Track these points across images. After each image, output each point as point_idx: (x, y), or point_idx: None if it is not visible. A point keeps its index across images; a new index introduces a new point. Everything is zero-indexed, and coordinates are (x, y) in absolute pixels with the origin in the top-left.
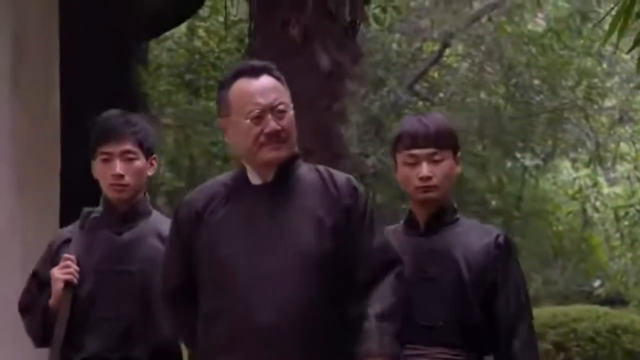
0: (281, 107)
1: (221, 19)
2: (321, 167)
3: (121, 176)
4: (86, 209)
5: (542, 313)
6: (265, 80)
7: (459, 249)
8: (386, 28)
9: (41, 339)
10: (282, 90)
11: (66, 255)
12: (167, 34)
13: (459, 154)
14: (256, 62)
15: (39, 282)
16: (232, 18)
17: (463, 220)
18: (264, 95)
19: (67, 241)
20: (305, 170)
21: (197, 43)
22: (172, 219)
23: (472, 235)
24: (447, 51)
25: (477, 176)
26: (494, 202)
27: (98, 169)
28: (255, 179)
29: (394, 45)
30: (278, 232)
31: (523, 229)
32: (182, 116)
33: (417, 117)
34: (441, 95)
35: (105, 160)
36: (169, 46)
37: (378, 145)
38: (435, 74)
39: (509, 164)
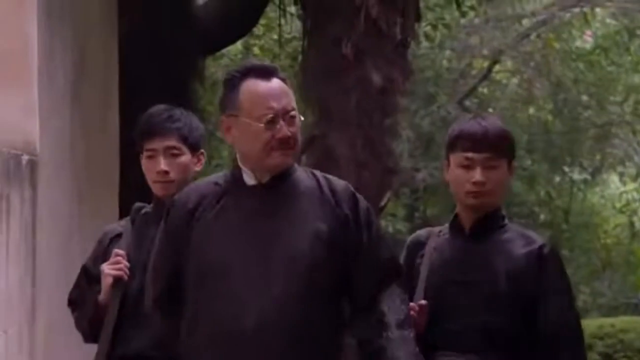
0: (293, 112)
1: (275, 36)
2: (318, 173)
3: (166, 172)
4: (137, 204)
5: (590, 324)
6: (276, 83)
7: (500, 256)
8: (437, 45)
9: (90, 334)
10: (291, 95)
11: (116, 250)
12: (223, 51)
13: (514, 162)
14: (265, 63)
15: (88, 276)
16: (285, 36)
17: (510, 226)
18: (277, 99)
19: (118, 236)
20: (302, 175)
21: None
22: (163, 218)
23: (516, 244)
24: (497, 67)
25: (526, 190)
26: (542, 216)
27: (144, 165)
28: (250, 180)
29: (445, 62)
30: (271, 235)
31: (571, 242)
32: None
33: (476, 119)
34: (491, 110)
35: (150, 157)
36: (225, 63)
37: (429, 159)
38: (485, 90)
39: (557, 178)
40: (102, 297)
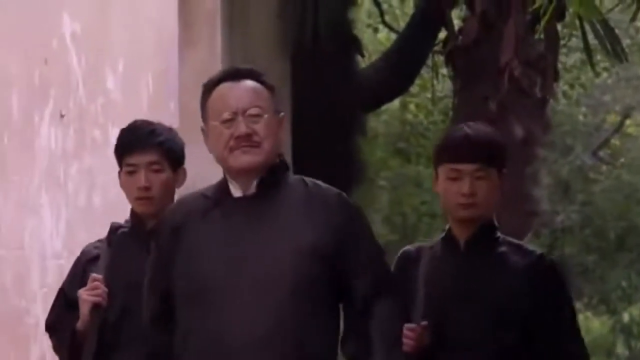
0: (254, 110)
1: (429, 95)
2: (309, 181)
3: (147, 188)
4: (114, 224)
5: None
6: (245, 84)
7: (499, 270)
8: (574, 102)
9: None
10: (262, 95)
11: (93, 275)
12: (383, 108)
13: (504, 170)
14: (242, 66)
15: (66, 300)
16: (438, 94)
17: (504, 239)
18: (239, 99)
19: (95, 258)
20: (292, 184)
21: (409, 116)
22: (155, 235)
23: (514, 256)
24: (628, 122)
25: None
26: None
27: (123, 181)
28: (236, 191)
29: (581, 117)
30: (255, 251)
31: None
32: (395, 179)
33: (463, 128)
34: (622, 160)
35: (130, 173)
36: (385, 119)
37: (566, 203)
38: (617, 142)
39: None
40: (80, 324)
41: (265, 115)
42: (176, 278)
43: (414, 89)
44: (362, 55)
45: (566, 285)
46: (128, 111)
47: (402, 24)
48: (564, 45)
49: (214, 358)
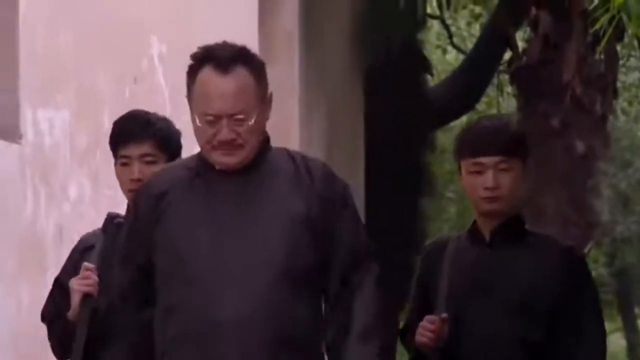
0: (239, 116)
1: (494, 112)
2: (295, 153)
3: (140, 180)
4: (111, 213)
5: None
6: (232, 79)
7: (524, 263)
8: (632, 119)
9: (60, 352)
10: (248, 91)
11: (85, 264)
12: (451, 124)
13: (528, 160)
14: (231, 47)
15: (61, 289)
16: (503, 111)
17: (532, 232)
18: (223, 100)
19: (91, 247)
20: (277, 156)
21: None
22: (132, 203)
23: (541, 250)
24: None
25: None
26: None
27: (118, 172)
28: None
29: (639, 133)
30: (243, 222)
31: None
32: (462, 192)
33: (484, 121)
34: None
35: (124, 164)
36: (453, 135)
37: (626, 215)
38: None
39: None
40: (71, 313)
41: (250, 122)
42: (157, 250)
43: (480, 106)
44: (432, 75)
45: (592, 279)
46: None
47: (469, 45)
48: (623, 65)
49: (201, 335)
